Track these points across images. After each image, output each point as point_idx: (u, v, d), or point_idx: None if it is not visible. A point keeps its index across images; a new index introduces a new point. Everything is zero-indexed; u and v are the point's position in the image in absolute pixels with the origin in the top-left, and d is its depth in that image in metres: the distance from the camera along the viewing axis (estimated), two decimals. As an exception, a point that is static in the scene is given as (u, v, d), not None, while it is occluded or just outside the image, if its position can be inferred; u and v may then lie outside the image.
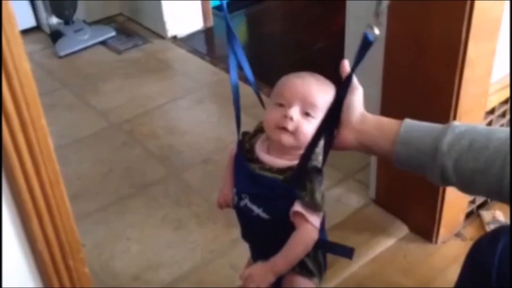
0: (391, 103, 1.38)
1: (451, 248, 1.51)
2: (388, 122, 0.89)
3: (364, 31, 0.76)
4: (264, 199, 0.97)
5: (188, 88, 2.30)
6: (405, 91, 1.37)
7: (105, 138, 2.03)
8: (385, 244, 1.53)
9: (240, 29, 2.84)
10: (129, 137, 2.02)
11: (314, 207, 0.93)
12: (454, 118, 1.29)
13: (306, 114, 0.94)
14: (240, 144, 1.03)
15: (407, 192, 1.52)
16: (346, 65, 0.92)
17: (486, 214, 1.58)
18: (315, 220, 0.95)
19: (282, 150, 0.96)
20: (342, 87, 0.85)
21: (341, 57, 1.71)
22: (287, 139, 0.94)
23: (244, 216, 1.02)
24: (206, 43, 2.73)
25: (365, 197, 1.68)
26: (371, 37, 0.76)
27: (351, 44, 1.73)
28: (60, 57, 2.55)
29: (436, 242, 1.52)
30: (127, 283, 1.46)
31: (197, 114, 2.14)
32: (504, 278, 0.90)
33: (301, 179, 0.93)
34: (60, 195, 0.53)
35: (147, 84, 2.34)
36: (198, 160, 1.89)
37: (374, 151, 0.90)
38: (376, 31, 0.75)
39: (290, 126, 0.93)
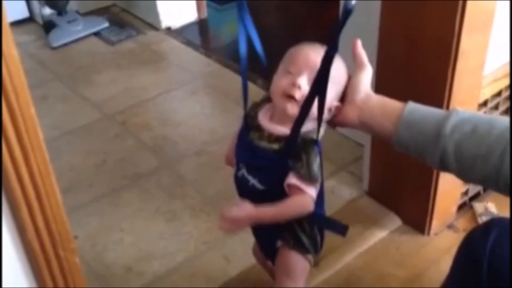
0: (385, 95, 1.38)
1: (443, 240, 1.52)
2: (392, 103, 0.89)
3: (344, 1, 0.79)
4: (259, 170, 0.97)
5: (181, 80, 2.29)
6: (399, 83, 1.37)
7: (98, 129, 2.03)
8: (378, 235, 1.54)
9: (233, 21, 2.83)
10: (123, 129, 2.02)
11: (310, 179, 0.93)
12: (447, 110, 1.29)
13: None
14: (245, 117, 1.02)
15: (400, 184, 1.53)
16: (359, 45, 0.93)
17: (478, 206, 1.59)
18: (312, 191, 0.94)
19: (285, 118, 0.95)
20: (331, 47, 0.84)
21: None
22: (292, 108, 0.93)
23: (241, 186, 1.02)
24: (200, 35, 2.71)
25: (358, 189, 1.68)
26: (350, 6, 0.78)
27: (344, 37, 1.72)
28: (53, 48, 2.53)
29: (428, 233, 1.53)
30: (120, 274, 1.47)
31: (190, 105, 2.13)
32: (494, 270, 0.91)
33: (294, 149, 0.93)
34: (50, 184, 0.52)
35: (141, 75, 2.33)
36: (192, 151, 1.89)
37: (375, 130, 0.90)
38: (353, 1, 0.78)
39: (298, 95, 0.92)
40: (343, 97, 0.94)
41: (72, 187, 1.75)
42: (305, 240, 1.05)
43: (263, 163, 0.97)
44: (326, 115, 0.95)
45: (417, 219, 1.53)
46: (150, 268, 1.48)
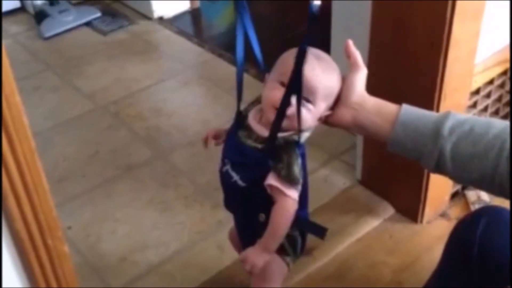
0: (376, 83, 1.37)
1: (436, 228, 1.53)
2: (387, 104, 0.90)
3: (309, 4, 0.78)
4: (243, 167, 0.98)
5: (174, 70, 2.29)
6: (391, 71, 1.36)
7: (91, 120, 2.02)
8: (371, 224, 1.54)
9: (227, 11, 2.82)
10: (115, 119, 2.01)
11: (290, 181, 0.93)
12: (439, 97, 1.29)
13: (305, 99, 0.92)
14: (238, 115, 1.02)
15: (393, 173, 1.53)
16: (351, 45, 0.93)
17: (471, 194, 1.60)
18: (292, 192, 0.95)
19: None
20: (298, 59, 0.84)
21: (328, 38, 1.71)
22: (282, 122, 0.93)
23: (224, 181, 1.03)
24: (193, 24, 2.70)
25: (351, 178, 1.69)
26: (314, 9, 0.79)
27: (338, 26, 1.72)
28: (45, 39, 2.52)
29: (421, 222, 1.54)
30: (114, 264, 1.47)
31: (183, 95, 2.13)
32: (485, 254, 0.92)
33: (276, 150, 0.93)
34: (36, 172, 0.52)
35: (133, 65, 2.32)
36: (185, 142, 1.88)
37: (370, 131, 0.90)
38: (317, 2, 0.78)
39: (289, 111, 0.91)
40: (337, 99, 0.94)
41: (65, 178, 1.75)
42: (284, 241, 1.05)
43: (247, 161, 0.97)
44: (315, 123, 0.95)
45: (410, 207, 1.54)
46: (144, 258, 1.48)
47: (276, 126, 0.92)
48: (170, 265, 1.45)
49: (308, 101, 0.92)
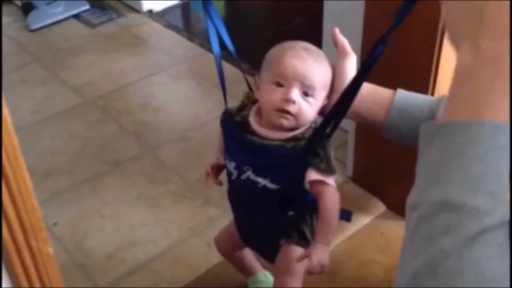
0: (369, 79, 1.36)
1: (427, 225, 1.52)
2: (381, 90, 0.89)
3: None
4: (270, 169, 0.95)
5: (163, 64, 2.26)
6: (384, 65, 1.34)
7: (79, 114, 1.98)
8: (362, 221, 1.53)
9: (217, 5, 2.79)
10: (103, 113, 1.98)
11: (331, 172, 0.94)
12: (433, 93, 1.28)
13: (305, 94, 0.92)
14: (230, 115, 1.00)
15: (384, 170, 1.52)
16: (338, 33, 0.92)
17: (462, 192, 1.59)
18: (332, 181, 0.96)
19: (279, 128, 0.95)
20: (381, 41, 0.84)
21: (319, 32, 1.69)
22: (288, 123, 0.93)
23: (246, 190, 0.99)
24: (183, 18, 2.67)
25: (342, 175, 1.67)
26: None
27: (330, 18, 1.70)
28: (32, 31, 2.47)
29: (412, 219, 1.53)
30: (101, 261, 1.44)
31: (172, 90, 2.10)
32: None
33: (312, 147, 0.93)
34: (19, 171, 0.49)
35: (122, 59, 2.28)
36: (174, 137, 1.86)
37: (364, 117, 0.90)
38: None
39: (293, 110, 0.91)
40: (331, 88, 0.93)
41: (52, 173, 1.72)
42: (307, 232, 1.04)
43: (275, 162, 0.95)
44: (317, 115, 0.95)
45: (402, 204, 1.50)
46: (132, 255, 1.45)
47: (323, 128, 0.91)
48: (158, 263, 1.43)
49: (307, 95, 0.92)
